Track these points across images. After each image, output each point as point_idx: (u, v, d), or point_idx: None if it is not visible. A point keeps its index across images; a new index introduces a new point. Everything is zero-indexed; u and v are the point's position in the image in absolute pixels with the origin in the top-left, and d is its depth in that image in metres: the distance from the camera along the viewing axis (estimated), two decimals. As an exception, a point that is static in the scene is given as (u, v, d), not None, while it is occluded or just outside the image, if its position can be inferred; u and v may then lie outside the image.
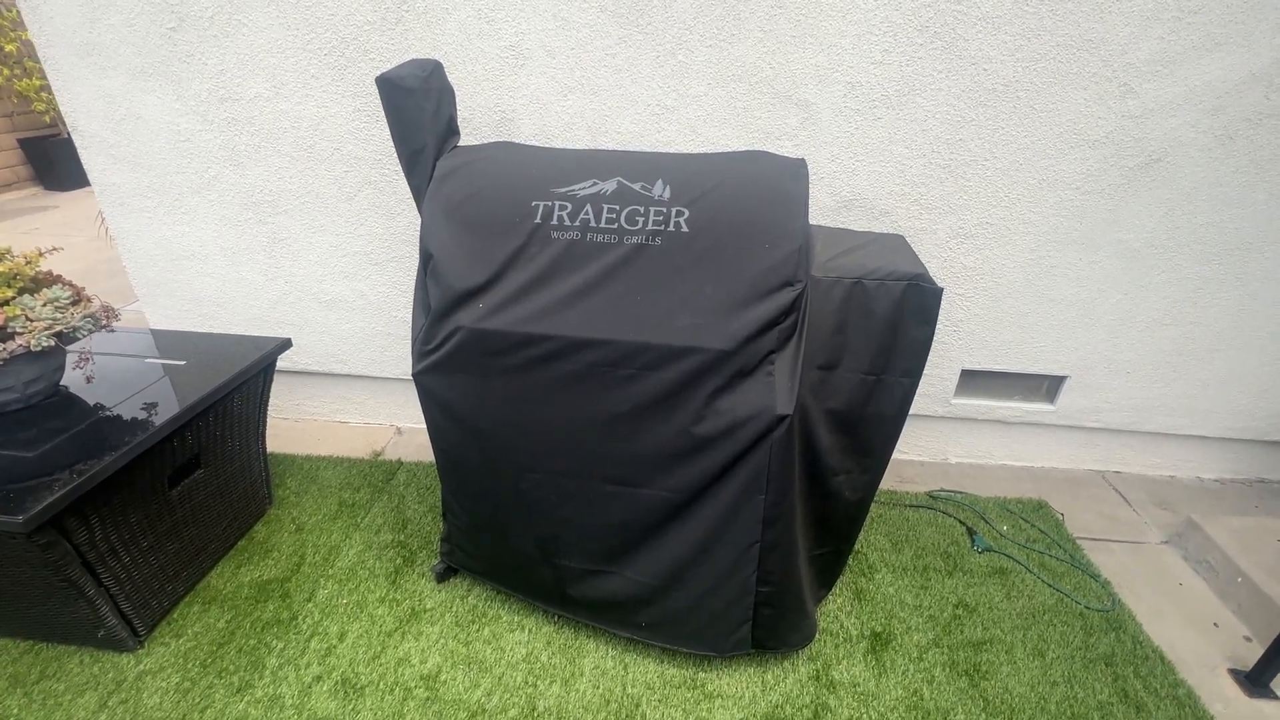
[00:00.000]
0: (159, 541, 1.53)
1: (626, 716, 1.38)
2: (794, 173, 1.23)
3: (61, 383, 1.55)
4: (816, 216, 1.83)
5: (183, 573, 1.63)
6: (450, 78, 1.75)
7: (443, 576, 1.71)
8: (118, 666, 1.47)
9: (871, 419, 1.35)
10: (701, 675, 1.48)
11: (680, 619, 1.44)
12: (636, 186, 1.24)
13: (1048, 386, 2.15)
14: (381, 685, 1.44)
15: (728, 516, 1.29)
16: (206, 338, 1.84)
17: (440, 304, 1.26)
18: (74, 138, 1.95)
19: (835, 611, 1.66)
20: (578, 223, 1.22)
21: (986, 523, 1.98)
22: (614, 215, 1.22)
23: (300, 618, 1.60)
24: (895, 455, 2.20)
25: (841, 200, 1.83)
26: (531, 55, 1.71)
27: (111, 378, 1.59)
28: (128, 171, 1.98)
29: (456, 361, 1.28)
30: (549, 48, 1.70)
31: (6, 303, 1.37)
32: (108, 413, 1.45)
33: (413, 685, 1.44)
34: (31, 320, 1.37)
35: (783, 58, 1.66)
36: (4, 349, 1.33)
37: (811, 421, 1.28)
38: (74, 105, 1.90)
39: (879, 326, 1.26)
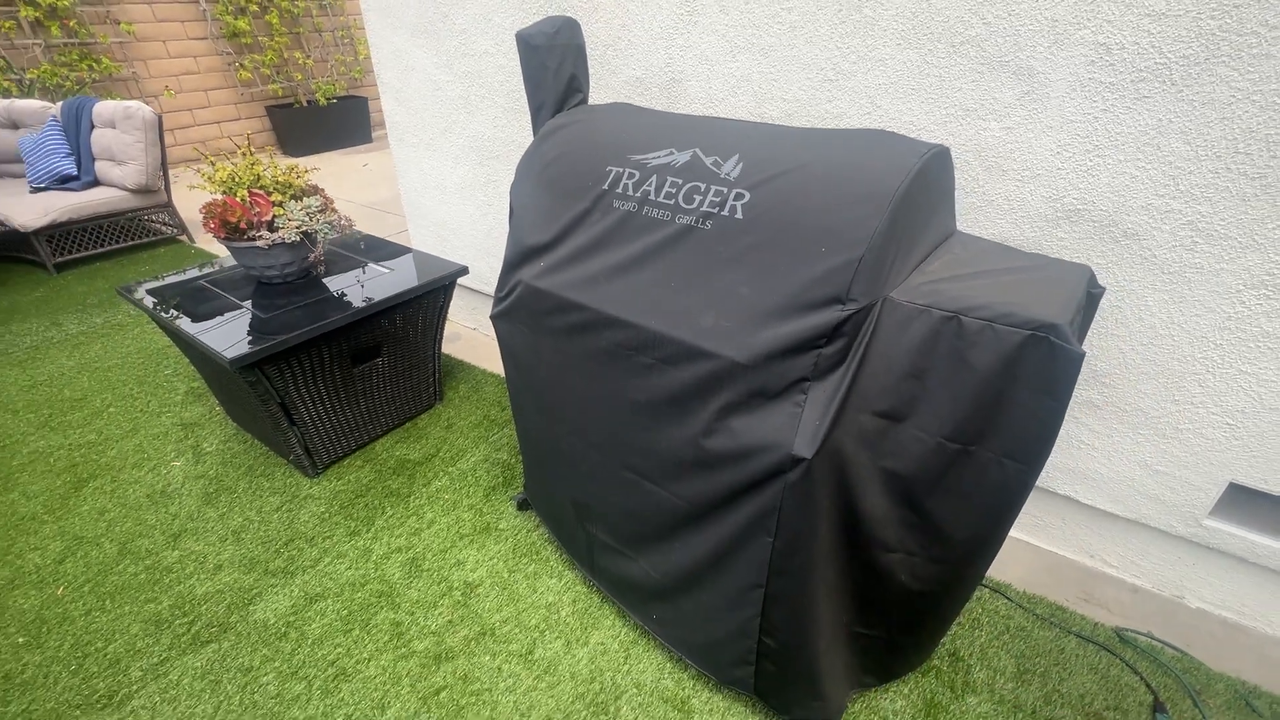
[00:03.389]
0: (339, 405, 1.97)
1: (602, 704, 1.36)
2: (901, 166, 0.94)
3: (315, 270, 2.06)
4: (1023, 224, 1.40)
5: (355, 434, 2.08)
6: (628, 35, 1.76)
7: (522, 506, 1.86)
8: (298, 485, 1.97)
9: (950, 499, 1.02)
10: (695, 700, 1.36)
11: (688, 625, 1.34)
12: (709, 161, 1.10)
13: None
14: (435, 575, 1.66)
15: (733, 546, 1.13)
16: (418, 255, 2.23)
17: (511, 255, 1.32)
18: (379, 85, 2.49)
19: (889, 710, 1.34)
20: (638, 194, 1.14)
21: (1195, 705, 1.35)
22: (674, 190, 1.10)
23: (413, 497, 1.92)
24: (1084, 561, 1.65)
25: (1064, 209, 1.34)
26: (705, 11, 1.60)
27: (341, 272, 2.06)
28: (405, 112, 2.47)
29: (517, 313, 1.33)
30: (722, 3, 1.56)
31: (280, 205, 1.86)
32: (322, 298, 1.89)
33: (455, 586, 1.63)
34: (290, 220, 1.85)
35: (1002, 9, 1.25)
36: (270, 237, 1.82)
37: (856, 476, 1.02)
38: (379, 58, 2.42)
39: (975, 383, 0.92)
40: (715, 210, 1.05)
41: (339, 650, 1.48)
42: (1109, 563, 1.67)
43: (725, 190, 1.05)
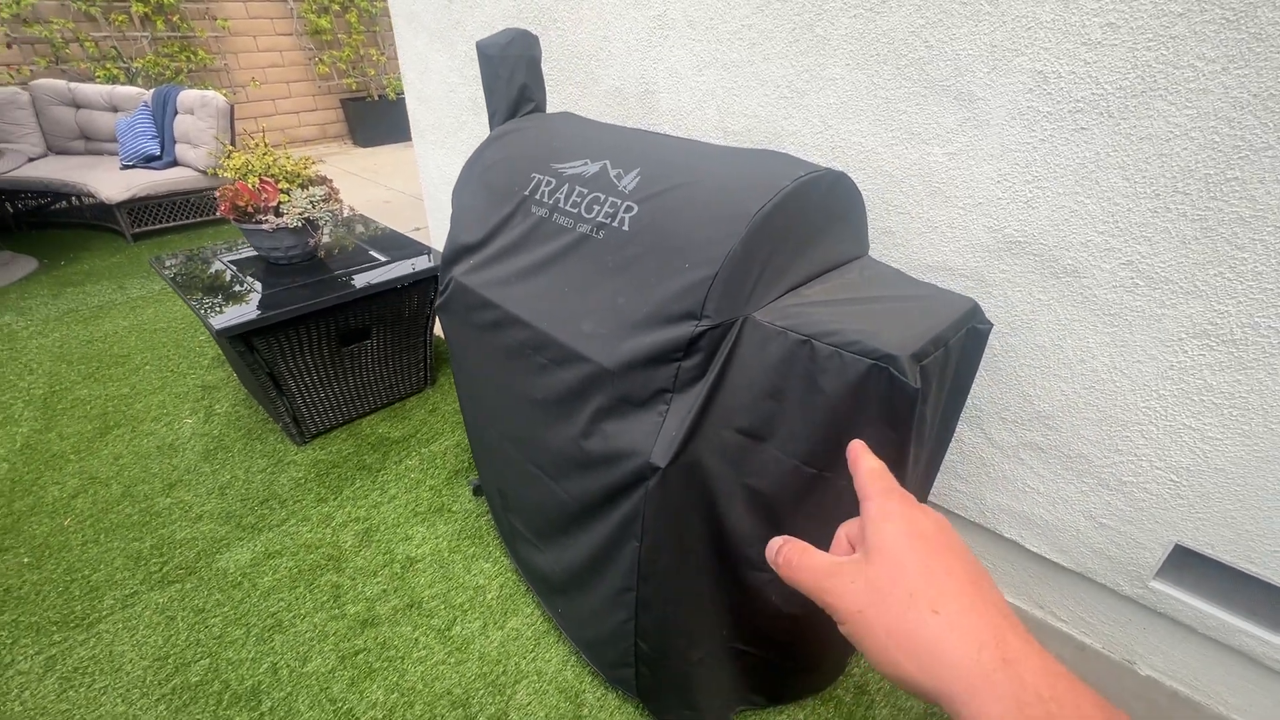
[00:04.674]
0: (327, 380, 2.12)
1: (501, 686, 1.42)
2: (770, 188, 0.95)
3: (319, 254, 2.23)
4: (966, 254, 1.36)
5: (343, 409, 2.23)
6: (609, 47, 1.82)
7: (477, 492, 1.95)
8: (285, 451, 2.14)
9: (811, 523, 1.01)
10: (588, 695, 1.40)
11: (582, 621, 1.38)
12: (613, 173, 1.13)
13: (1372, 644, 1.19)
14: (383, 547, 1.77)
15: (610, 547, 1.17)
16: (418, 248, 2.36)
17: (446, 253, 1.40)
18: (404, 84, 2.66)
19: (775, 734, 1.34)
20: (551, 201, 1.20)
21: (1111, 776, 1.26)
22: (579, 200, 1.15)
23: (382, 473, 2.05)
24: (1033, 611, 1.57)
25: (1005, 240, 1.29)
26: (674, 25, 1.63)
27: (344, 259, 2.22)
28: (424, 110, 2.62)
29: (451, 307, 1.41)
30: (691, 18, 1.59)
31: (286, 192, 2.02)
32: (317, 280, 2.05)
33: (398, 557, 1.73)
34: (294, 206, 2.01)
35: (944, 33, 1.22)
36: (274, 221, 1.99)
37: (720, 491, 1.04)
38: (405, 59, 2.58)
39: (826, 409, 0.92)
40: (608, 221, 1.09)
41: (281, 604, 1.60)
42: (1058, 616, 1.58)
43: (619, 202, 1.08)
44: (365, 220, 2.46)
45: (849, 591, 0.41)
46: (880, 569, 0.40)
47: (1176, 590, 1.35)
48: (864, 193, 1.44)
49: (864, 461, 0.51)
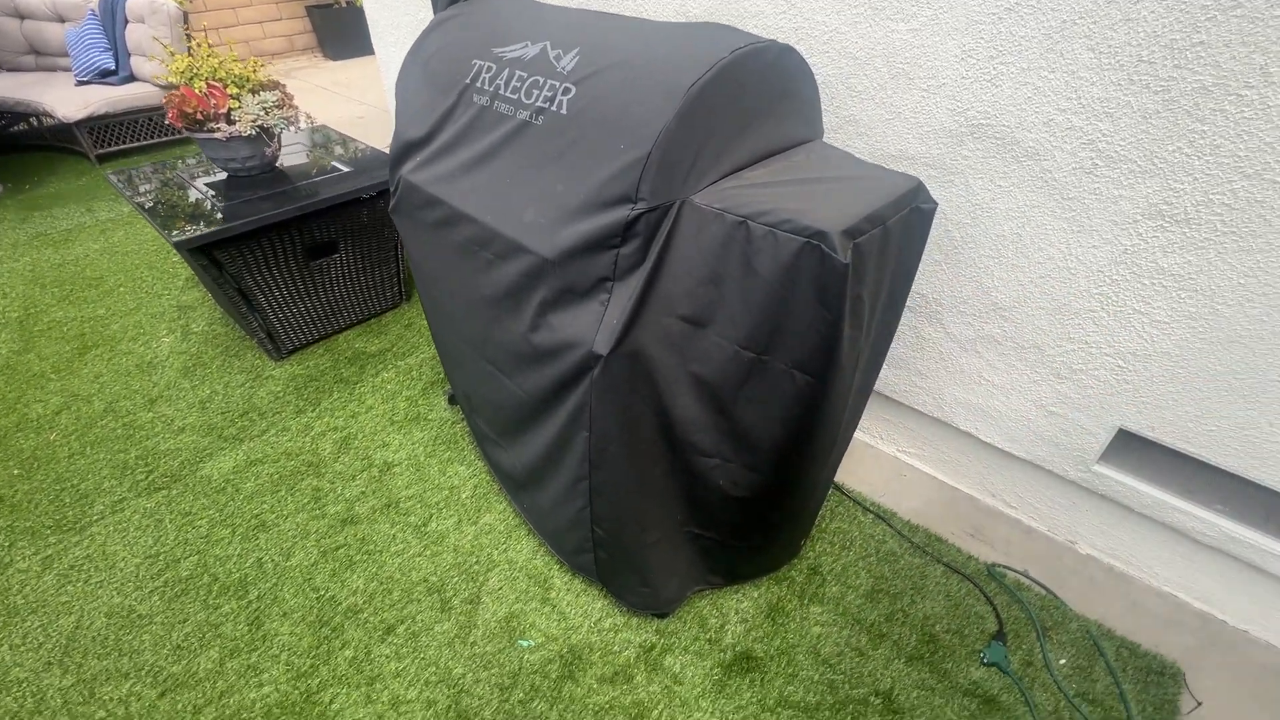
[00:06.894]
0: (298, 295, 2.11)
1: (474, 574, 1.50)
2: (704, 63, 0.90)
3: (279, 164, 2.16)
4: (929, 140, 1.31)
5: (318, 324, 2.23)
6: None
7: (451, 401, 1.99)
8: (263, 366, 2.16)
9: (753, 407, 1.04)
10: (555, 580, 1.49)
11: (543, 514, 1.45)
12: (552, 55, 1.08)
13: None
14: (360, 453, 1.82)
15: (563, 439, 1.20)
16: (385, 158, 2.29)
17: (393, 151, 1.36)
18: (357, -22, 2.48)
19: (733, 608, 1.42)
20: (492, 88, 1.15)
21: (1040, 639, 1.36)
22: (519, 85, 1.10)
23: (359, 385, 2.08)
24: (985, 499, 1.63)
25: (968, 123, 1.25)
26: (631, -105, 1.51)
27: (305, 169, 2.15)
28: (382, 10, 2.47)
29: (403, 208, 1.38)
30: (646, -116, 1.46)
31: (236, 98, 1.94)
32: (277, 192, 1.99)
33: (376, 463, 1.79)
34: (245, 113, 1.93)
35: (909, -111, 1.13)
36: (227, 130, 1.92)
37: (665, 379, 1.05)
38: (355, -50, 2.40)
39: (762, 290, 0.92)
40: (547, 105, 1.04)
41: (264, 507, 1.67)
42: (1008, 503, 1.65)
43: (557, 84, 1.04)
44: (328, 132, 2.37)
45: None
46: None
47: (1118, 473, 1.40)
48: (828, 78, 1.39)
49: None
